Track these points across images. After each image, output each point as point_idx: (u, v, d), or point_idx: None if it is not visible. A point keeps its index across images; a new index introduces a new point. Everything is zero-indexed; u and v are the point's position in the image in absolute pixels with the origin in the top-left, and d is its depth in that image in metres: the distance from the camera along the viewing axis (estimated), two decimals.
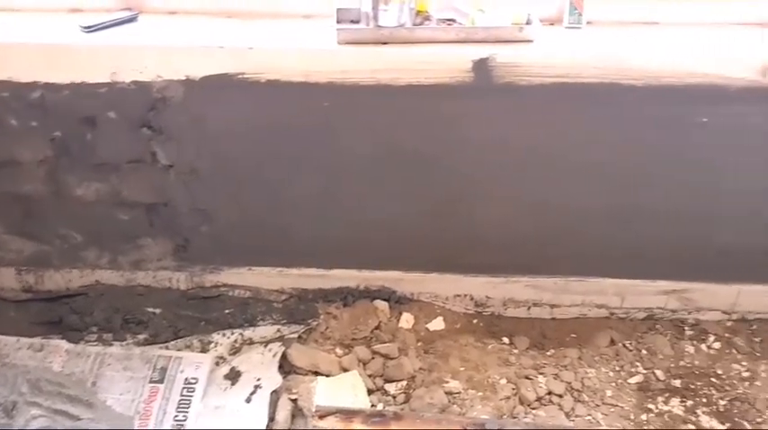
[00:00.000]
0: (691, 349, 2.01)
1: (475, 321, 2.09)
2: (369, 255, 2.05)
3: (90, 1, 1.87)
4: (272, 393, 1.81)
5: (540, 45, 1.72)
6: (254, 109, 1.78)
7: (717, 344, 2.02)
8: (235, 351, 1.96)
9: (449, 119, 1.78)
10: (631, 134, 1.78)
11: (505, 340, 2.04)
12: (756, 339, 2.03)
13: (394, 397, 1.88)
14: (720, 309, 2.07)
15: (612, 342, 2.03)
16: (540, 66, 1.69)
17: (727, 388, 1.90)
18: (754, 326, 2.06)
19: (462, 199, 1.91)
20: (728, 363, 1.97)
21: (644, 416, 1.84)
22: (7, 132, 1.83)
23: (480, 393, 1.87)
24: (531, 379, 1.91)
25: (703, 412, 1.84)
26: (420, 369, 1.93)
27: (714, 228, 1.92)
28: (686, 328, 2.06)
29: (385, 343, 1.99)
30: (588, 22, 1.79)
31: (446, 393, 1.86)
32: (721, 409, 1.85)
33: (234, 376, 1.87)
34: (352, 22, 1.78)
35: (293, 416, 1.79)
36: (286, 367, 1.90)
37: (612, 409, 1.85)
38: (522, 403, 1.86)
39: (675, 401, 1.87)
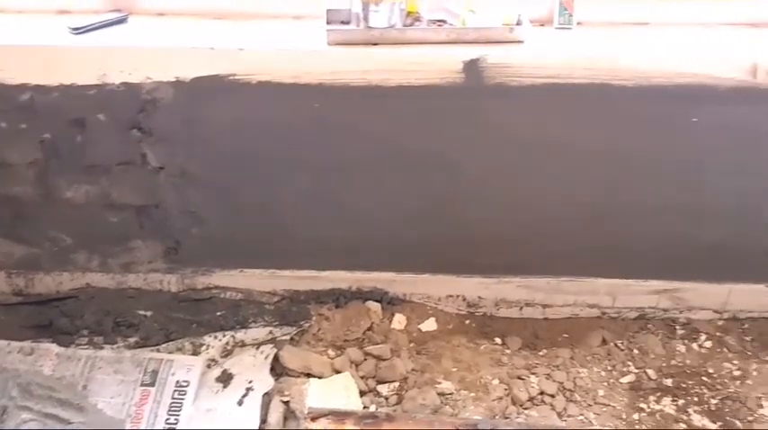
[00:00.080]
0: (682, 348, 2.01)
1: (467, 322, 2.09)
2: (361, 257, 2.04)
3: (78, 2, 1.86)
4: (264, 395, 1.80)
5: (530, 46, 1.72)
6: (244, 110, 1.78)
7: (708, 344, 2.03)
8: (226, 353, 1.95)
9: (439, 120, 1.78)
10: (622, 134, 1.78)
11: (498, 340, 2.04)
12: (747, 338, 2.04)
13: (386, 398, 1.88)
14: (712, 309, 2.08)
15: (604, 341, 2.03)
16: (531, 66, 1.69)
17: (719, 387, 1.90)
18: (746, 325, 2.07)
19: (453, 200, 1.91)
20: (720, 362, 1.97)
21: (636, 416, 1.84)
22: None
23: (473, 394, 1.88)
24: (523, 379, 1.92)
25: (695, 411, 1.85)
26: (412, 370, 1.93)
27: (705, 228, 1.93)
28: (678, 328, 2.07)
29: (377, 344, 1.98)
30: (578, 23, 1.79)
31: (438, 394, 1.86)
32: (713, 408, 1.86)
33: (226, 378, 1.86)
34: (343, 23, 1.77)
35: (285, 419, 1.79)
36: (278, 369, 1.90)
37: (604, 409, 1.85)
38: (514, 403, 1.87)
39: (667, 400, 1.88)
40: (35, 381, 1.70)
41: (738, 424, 1.82)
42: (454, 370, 1.93)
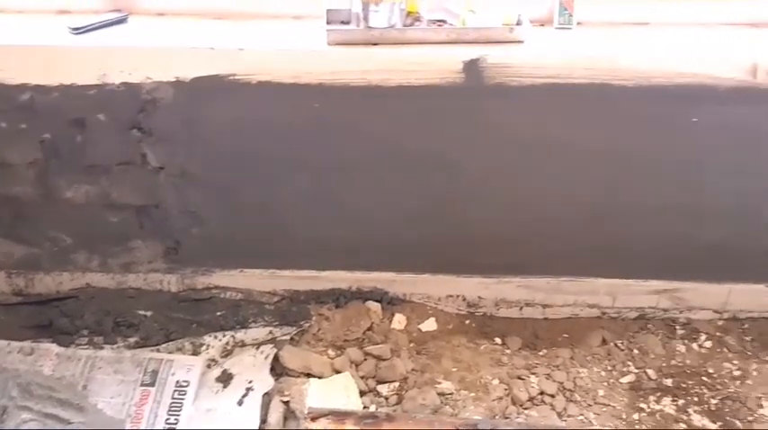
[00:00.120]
0: (682, 348, 2.01)
1: (467, 322, 2.09)
2: (361, 257, 2.04)
3: (78, 2, 1.86)
4: (264, 395, 1.80)
5: (530, 46, 1.72)
6: (244, 110, 1.78)
7: (708, 344, 2.03)
8: (226, 353, 1.95)
9: (439, 120, 1.78)
10: (622, 134, 1.78)
11: (498, 340, 2.04)
12: (747, 338, 2.04)
13: (386, 398, 1.88)
14: (712, 309, 2.08)
15: (604, 341, 2.03)
16: (531, 66, 1.69)
17: (719, 387, 1.90)
18: (746, 325, 2.07)
19: (453, 200, 1.91)
20: (720, 362, 1.97)
21: (636, 416, 1.84)
22: None
23: (473, 394, 1.88)
24: (523, 379, 1.92)
25: (695, 411, 1.85)
26: (412, 370, 1.93)
27: (705, 228, 1.93)
28: (678, 328, 2.07)
29: (377, 344, 1.98)
30: (578, 23, 1.79)
31: (438, 394, 1.86)
32: (713, 408, 1.86)
33: (225, 378, 1.86)
34: (343, 23, 1.77)
35: (285, 419, 1.79)
36: (278, 369, 1.90)
37: (604, 409, 1.85)
38: (514, 403, 1.87)
39: (667, 400, 1.88)
40: (35, 381, 1.70)
41: (738, 424, 1.82)
42: (454, 370, 1.93)
